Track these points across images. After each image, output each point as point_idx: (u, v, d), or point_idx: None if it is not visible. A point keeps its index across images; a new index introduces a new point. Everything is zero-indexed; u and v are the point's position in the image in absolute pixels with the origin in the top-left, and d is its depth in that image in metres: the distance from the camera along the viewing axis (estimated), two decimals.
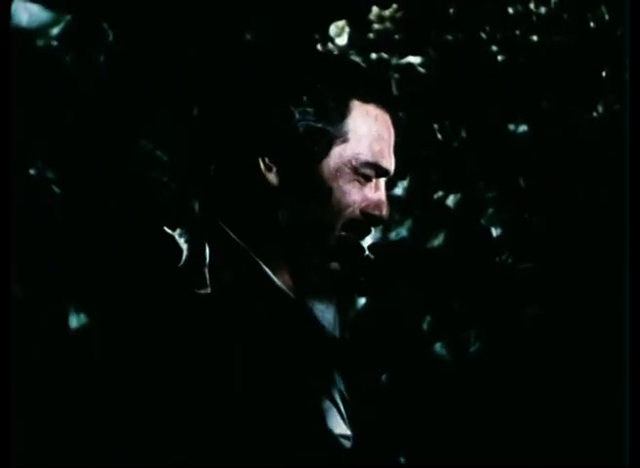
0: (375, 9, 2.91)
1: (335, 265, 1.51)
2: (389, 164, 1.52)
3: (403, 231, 2.86)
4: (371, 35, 2.88)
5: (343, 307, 1.59)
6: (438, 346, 2.74)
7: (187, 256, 1.42)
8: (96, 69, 2.16)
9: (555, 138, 2.90)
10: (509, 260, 2.81)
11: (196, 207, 1.76)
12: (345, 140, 1.48)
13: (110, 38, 2.18)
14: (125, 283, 1.49)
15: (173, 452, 1.35)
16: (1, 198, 1.59)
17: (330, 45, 2.85)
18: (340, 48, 2.87)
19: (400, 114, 1.62)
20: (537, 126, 2.91)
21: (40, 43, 2.09)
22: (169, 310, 1.41)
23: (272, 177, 1.48)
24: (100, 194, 2.10)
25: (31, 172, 2.04)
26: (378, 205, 1.51)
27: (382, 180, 1.53)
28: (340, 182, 1.48)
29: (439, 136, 2.83)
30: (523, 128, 2.90)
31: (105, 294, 1.63)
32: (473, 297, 2.78)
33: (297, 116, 1.46)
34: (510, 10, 2.92)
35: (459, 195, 2.83)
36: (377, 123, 1.51)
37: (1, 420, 1.48)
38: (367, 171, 1.49)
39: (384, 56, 2.87)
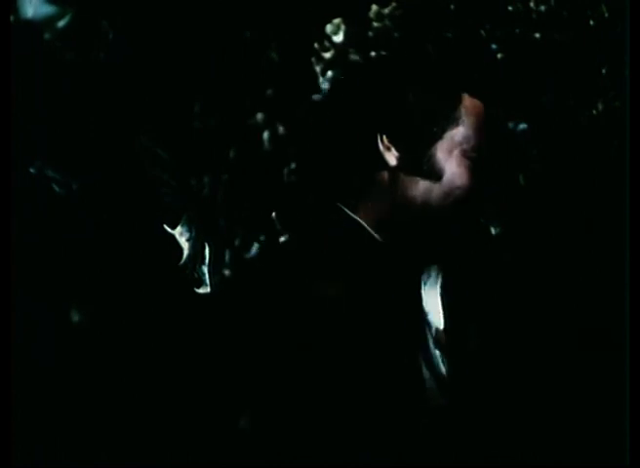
0: (374, 7, 2.91)
1: None
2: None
3: None
4: (370, 33, 2.88)
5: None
6: None
7: (188, 255, 1.42)
8: (96, 66, 2.16)
9: (555, 136, 2.90)
10: (508, 258, 2.81)
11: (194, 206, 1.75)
12: (458, 124, 1.59)
13: (110, 35, 2.18)
14: (125, 281, 1.49)
15: (183, 452, 1.35)
16: (1, 196, 1.60)
17: (326, 43, 2.85)
18: (337, 45, 2.86)
19: None
20: (536, 123, 2.91)
21: (41, 38, 2.08)
22: (173, 307, 1.41)
23: (390, 157, 1.56)
24: (101, 192, 2.10)
25: (31, 170, 2.04)
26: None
27: None
28: (450, 164, 1.57)
29: None
30: (522, 125, 2.90)
31: (106, 293, 1.63)
32: (472, 295, 2.77)
33: (414, 99, 1.57)
34: (510, 7, 2.92)
35: None
36: (480, 115, 1.63)
37: (1, 420, 1.48)
38: (474, 155, 1.59)
39: (383, 53, 2.87)
